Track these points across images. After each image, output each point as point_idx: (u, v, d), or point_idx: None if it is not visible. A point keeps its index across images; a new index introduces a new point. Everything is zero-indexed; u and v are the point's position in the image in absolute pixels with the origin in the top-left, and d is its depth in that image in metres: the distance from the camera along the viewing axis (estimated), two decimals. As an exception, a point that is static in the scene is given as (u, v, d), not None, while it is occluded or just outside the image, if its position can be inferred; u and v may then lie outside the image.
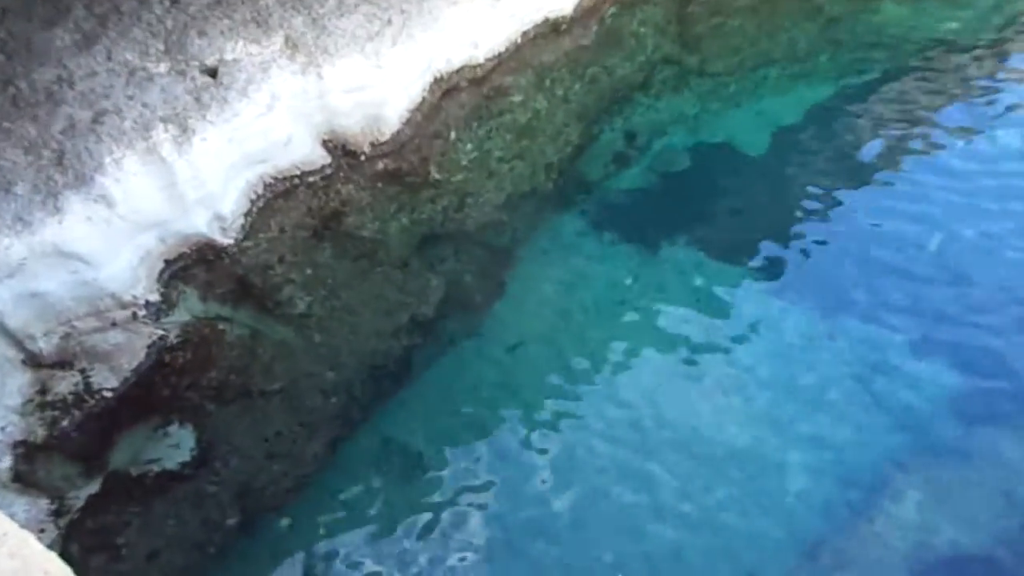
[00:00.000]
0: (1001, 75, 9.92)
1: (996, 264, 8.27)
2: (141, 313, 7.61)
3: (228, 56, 7.76)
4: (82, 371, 7.42)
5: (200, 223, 7.80)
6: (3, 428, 7.08)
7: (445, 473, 7.73)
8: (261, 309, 8.19)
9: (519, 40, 9.64)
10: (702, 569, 6.98)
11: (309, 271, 8.39)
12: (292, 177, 8.38)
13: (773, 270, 8.59)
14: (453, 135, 9.17)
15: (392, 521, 7.50)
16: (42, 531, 6.89)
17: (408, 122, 8.87)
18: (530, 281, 8.85)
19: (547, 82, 9.72)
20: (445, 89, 9.22)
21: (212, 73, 7.71)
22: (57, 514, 7.07)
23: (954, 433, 7.33)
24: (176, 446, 7.68)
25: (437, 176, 8.96)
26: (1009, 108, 9.55)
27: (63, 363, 7.39)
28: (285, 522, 7.58)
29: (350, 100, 8.35)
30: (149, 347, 7.63)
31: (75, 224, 6.98)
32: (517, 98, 9.52)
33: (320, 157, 8.50)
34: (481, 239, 9.01)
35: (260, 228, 8.28)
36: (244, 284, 8.15)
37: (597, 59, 10.01)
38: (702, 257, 8.83)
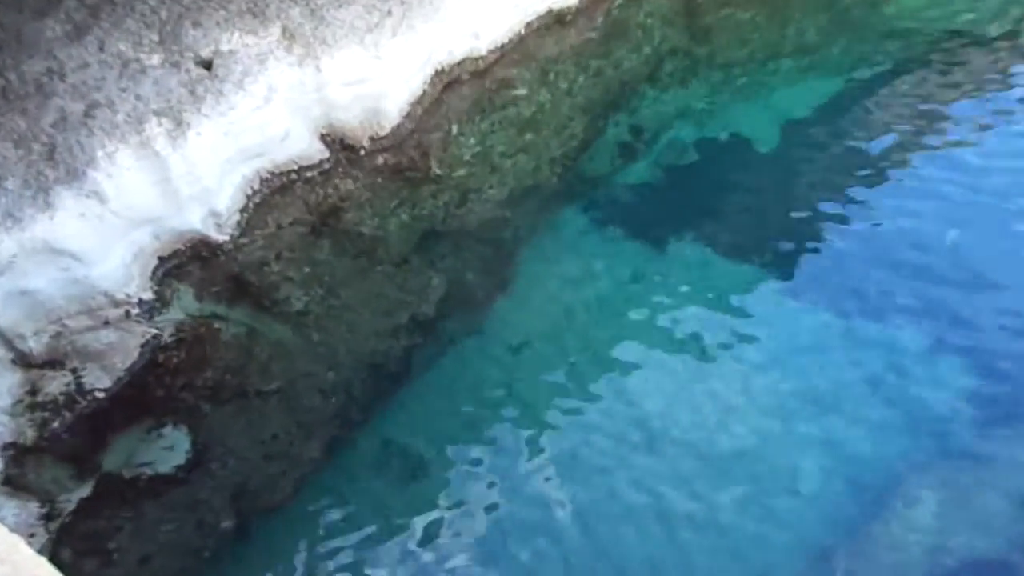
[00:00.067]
0: (1017, 68, 9.85)
1: (1013, 263, 8.21)
2: (134, 311, 7.57)
3: (224, 47, 7.71)
4: (73, 371, 7.38)
5: (195, 219, 7.75)
6: (-8, 429, 7.07)
7: (445, 475, 7.71)
8: (258, 307, 8.16)
9: (522, 31, 9.58)
10: (709, 572, 6.97)
11: (307, 268, 8.35)
12: (289, 172, 8.33)
13: (783, 268, 8.55)
14: (455, 129, 9.13)
15: (391, 524, 7.49)
16: (32, 535, 6.86)
17: (408, 116, 8.81)
18: (533, 279, 8.82)
19: (551, 75, 9.67)
20: (446, 82, 9.16)
21: (207, 65, 7.66)
22: (48, 518, 7.05)
23: (969, 435, 7.28)
24: (170, 448, 7.66)
25: (438, 171, 8.92)
26: (1024, 101, 9.53)
27: (54, 363, 7.35)
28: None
29: (349, 93, 8.30)
30: (142, 346, 7.58)
31: (66, 220, 6.94)
32: (520, 91, 9.47)
33: (318, 151, 8.45)
34: (483, 236, 8.98)
35: (256, 224, 8.23)
36: (240, 282, 8.11)
37: (603, 51, 9.96)
38: (710, 254, 8.79)
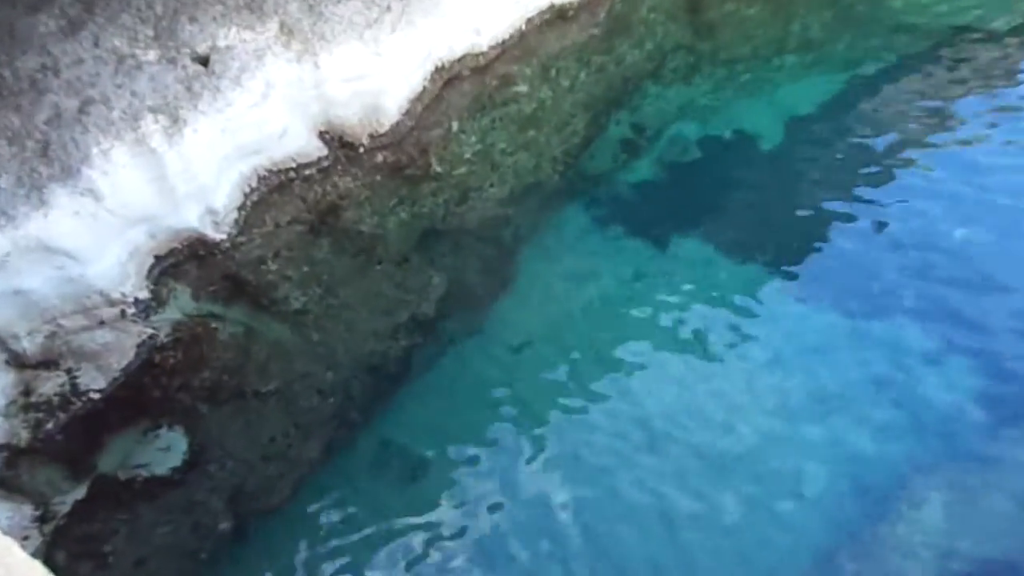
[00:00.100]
0: (1026, 64, 9.86)
1: (1021, 263, 8.18)
2: (130, 311, 7.55)
3: (220, 43, 7.69)
4: (68, 371, 7.36)
5: (191, 217, 7.73)
6: (-14, 431, 7.05)
7: (445, 477, 7.67)
8: (255, 307, 8.13)
9: (523, 27, 9.57)
10: (712, 575, 6.93)
11: (305, 267, 8.33)
12: (287, 170, 8.32)
13: (788, 267, 8.51)
14: (455, 126, 9.11)
15: (390, 526, 7.45)
16: (26, 538, 6.84)
17: (408, 112, 8.80)
18: (535, 278, 8.79)
19: (553, 71, 9.65)
20: (447, 78, 9.15)
21: (204, 61, 7.64)
22: (41, 520, 7.03)
23: (977, 437, 7.24)
24: (166, 449, 7.63)
25: (438, 169, 8.90)
26: (1034, 99, 9.49)
27: (48, 363, 7.33)
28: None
29: (348, 89, 8.28)
30: (138, 346, 7.57)
31: (61, 218, 6.92)
32: (522, 88, 9.45)
33: (316, 149, 8.43)
34: (484, 234, 8.95)
35: (254, 223, 8.22)
36: (237, 281, 8.09)
37: (605, 47, 9.94)
38: (714, 253, 8.76)
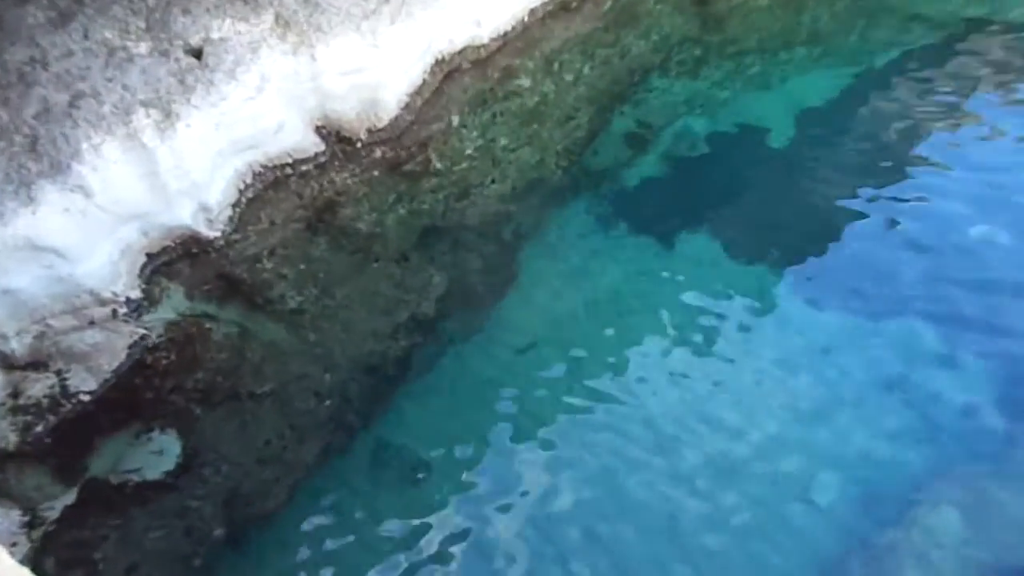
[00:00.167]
0: (1042, 57, 9.80)
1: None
2: (121, 311, 7.52)
3: (214, 35, 7.65)
4: (58, 373, 7.32)
5: (184, 215, 7.69)
6: (-27, 434, 7.01)
7: (446, 482, 7.63)
8: (250, 306, 8.10)
9: (526, 19, 9.55)
10: (721, 582, 6.91)
11: (302, 266, 8.30)
12: (283, 165, 8.30)
13: (798, 266, 8.47)
14: (455, 121, 9.08)
15: (389, 532, 7.42)
16: (14, 544, 6.80)
17: (407, 107, 8.77)
18: (537, 277, 8.75)
19: (556, 64, 9.63)
20: (447, 71, 9.13)
21: (197, 54, 7.61)
22: (30, 526, 6.98)
23: (993, 441, 7.18)
24: (159, 453, 7.59)
25: (438, 164, 8.87)
26: (1049, 93, 9.43)
27: (37, 364, 7.29)
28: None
29: (345, 83, 8.25)
30: (130, 347, 7.52)
31: (50, 215, 6.88)
32: (524, 81, 9.42)
33: (313, 144, 8.40)
34: (485, 232, 8.90)
35: (249, 220, 8.19)
36: (232, 280, 8.05)
37: (610, 39, 9.92)
38: (721, 252, 8.72)
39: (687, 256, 8.74)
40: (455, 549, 7.28)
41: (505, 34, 9.39)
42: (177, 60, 7.48)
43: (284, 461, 7.76)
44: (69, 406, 7.31)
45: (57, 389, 7.29)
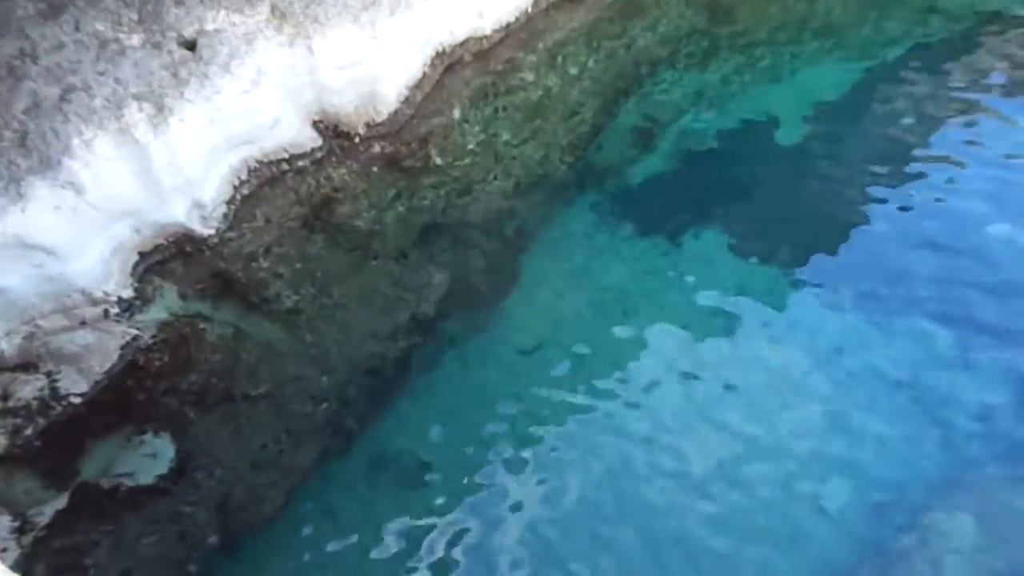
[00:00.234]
0: (1062, 50, 9.77)
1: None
2: (113, 311, 7.52)
3: (209, 27, 7.64)
4: (48, 374, 7.32)
5: (178, 212, 7.69)
6: (-39, 437, 7.02)
7: (445, 487, 7.64)
8: (245, 306, 8.10)
9: (529, 9, 9.53)
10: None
11: (298, 264, 8.30)
12: (279, 161, 8.30)
13: (809, 265, 8.46)
14: (457, 115, 9.07)
15: (388, 539, 7.42)
16: (4, 550, 6.81)
17: (407, 101, 8.77)
18: (541, 276, 8.75)
19: (560, 57, 9.61)
20: (448, 64, 9.12)
21: (191, 46, 7.59)
22: (20, 532, 6.98)
23: (1009, 446, 7.16)
24: (152, 456, 7.60)
25: (439, 160, 8.86)
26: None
27: (27, 366, 7.29)
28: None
29: (343, 76, 8.24)
30: (122, 348, 7.53)
31: (40, 213, 6.87)
32: (527, 74, 9.41)
33: (310, 139, 8.40)
34: (487, 229, 8.90)
35: (244, 217, 8.19)
36: (226, 279, 8.06)
37: (616, 31, 9.90)
38: (731, 250, 8.71)
39: (695, 254, 8.73)
40: (455, 555, 7.29)
41: (508, 25, 9.38)
42: (170, 53, 7.47)
43: (280, 465, 7.76)
44: (60, 408, 7.31)
45: (47, 391, 7.29)
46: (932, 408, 7.44)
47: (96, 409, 7.47)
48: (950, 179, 8.84)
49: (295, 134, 8.25)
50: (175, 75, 7.41)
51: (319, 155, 8.47)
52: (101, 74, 7.25)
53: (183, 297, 7.94)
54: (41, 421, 7.25)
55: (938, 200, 8.72)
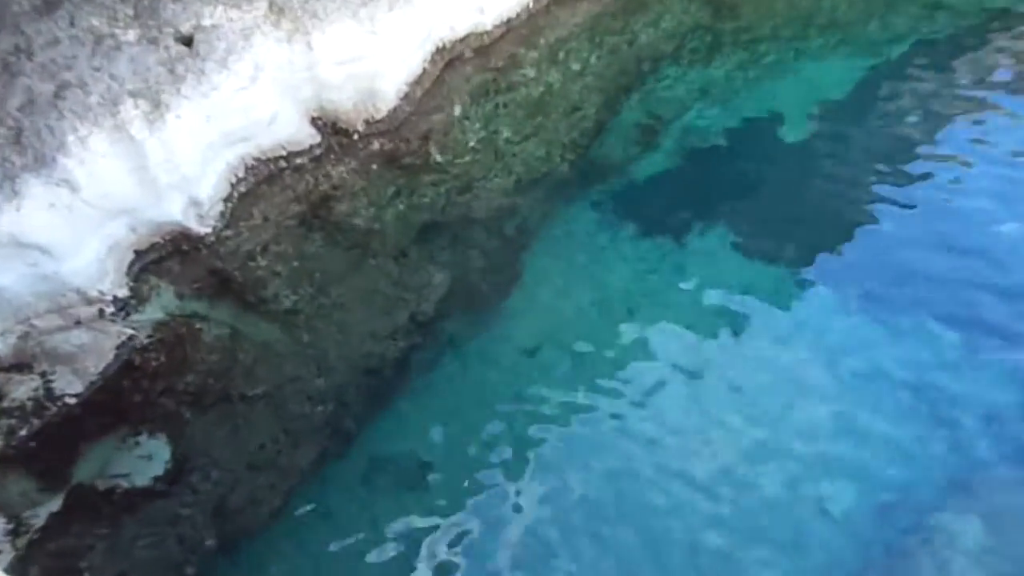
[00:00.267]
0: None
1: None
2: (109, 310, 7.53)
3: (205, 22, 7.63)
4: (42, 375, 7.33)
5: (174, 210, 7.69)
6: (-46, 439, 7.04)
7: (445, 490, 7.63)
8: (242, 306, 8.10)
9: (531, 5, 9.52)
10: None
11: (296, 263, 8.30)
12: (277, 158, 8.30)
13: (814, 266, 8.46)
14: (457, 112, 9.06)
15: (387, 542, 7.42)
16: (-2, 553, 6.83)
17: (407, 97, 8.76)
18: (543, 275, 8.74)
19: (562, 52, 9.60)
20: (448, 60, 9.11)
21: (187, 41, 7.59)
22: (14, 534, 6.99)
23: (1017, 448, 7.17)
24: (148, 458, 7.60)
25: (439, 158, 8.86)
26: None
27: (21, 366, 7.30)
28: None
29: (342, 72, 8.24)
30: (118, 348, 7.54)
31: (35, 211, 6.87)
32: (529, 70, 9.40)
33: (308, 136, 8.40)
34: (488, 228, 8.90)
35: (241, 216, 8.20)
36: (223, 278, 8.06)
37: (619, 26, 9.89)
38: (734, 249, 8.71)
39: (699, 253, 8.73)
40: (455, 558, 7.30)
41: (509, 21, 9.37)
42: (167, 48, 7.46)
43: (278, 466, 7.76)
44: (54, 409, 7.32)
45: (42, 391, 7.30)
46: (938, 409, 7.45)
47: (91, 410, 7.48)
48: (956, 178, 8.84)
49: (293, 131, 8.25)
50: (171, 71, 7.41)
51: (317, 152, 8.48)
52: (96, 70, 7.24)
53: (179, 296, 7.95)
54: (36, 422, 7.26)
55: (945, 199, 8.72)
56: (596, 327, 8.37)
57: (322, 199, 8.45)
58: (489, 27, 9.22)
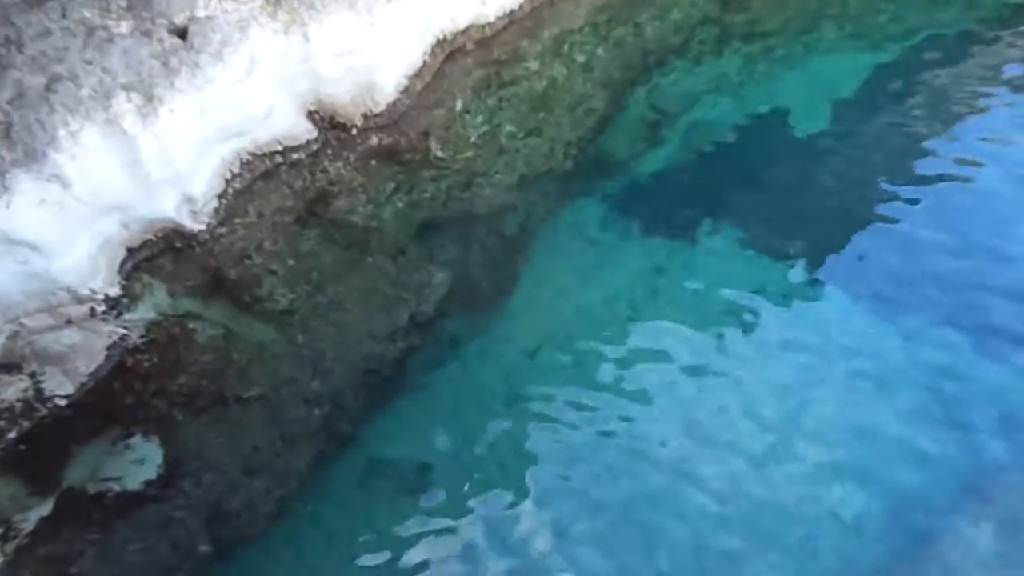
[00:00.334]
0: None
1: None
2: (100, 309, 7.55)
3: (200, 14, 7.63)
4: (32, 375, 7.35)
5: (167, 206, 7.71)
6: (-59, 441, 7.05)
7: (444, 495, 7.66)
8: (237, 305, 8.11)
9: (534, -5, 9.54)
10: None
11: (291, 262, 8.31)
12: (273, 154, 8.30)
13: (825, 265, 8.47)
14: (458, 106, 9.06)
15: (384, 550, 7.45)
16: (-13, 558, 6.85)
17: (406, 91, 8.76)
18: (545, 274, 8.76)
19: (566, 45, 9.60)
20: (448, 52, 9.11)
21: (182, 33, 7.59)
22: (3, 539, 7.03)
23: (1032, 454, 7.23)
24: (140, 461, 7.62)
25: (439, 153, 8.86)
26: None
27: (10, 366, 7.31)
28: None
29: (339, 65, 8.24)
30: (109, 348, 7.56)
31: (24, 207, 6.88)
32: (532, 64, 9.39)
33: (305, 131, 8.41)
34: (490, 225, 8.91)
35: (236, 212, 8.21)
36: (217, 276, 8.08)
37: (625, 18, 9.88)
38: (742, 249, 8.71)
39: (705, 252, 8.74)
40: (455, 564, 7.32)
41: (512, 12, 9.36)
42: (160, 41, 7.46)
43: (274, 470, 7.78)
44: (44, 411, 7.34)
45: (31, 393, 7.32)
46: (951, 411, 7.47)
47: (82, 412, 7.51)
48: (968, 177, 8.85)
49: (290, 125, 8.25)
50: (165, 64, 7.41)
51: (314, 147, 8.48)
52: (88, 63, 7.24)
53: (172, 295, 7.96)
54: (25, 424, 7.29)
55: (956, 198, 8.73)
56: (600, 327, 8.39)
57: (319, 195, 8.45)
58: (491, 18, 9.22)
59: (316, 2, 8.01)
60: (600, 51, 9.70)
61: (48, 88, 7.09)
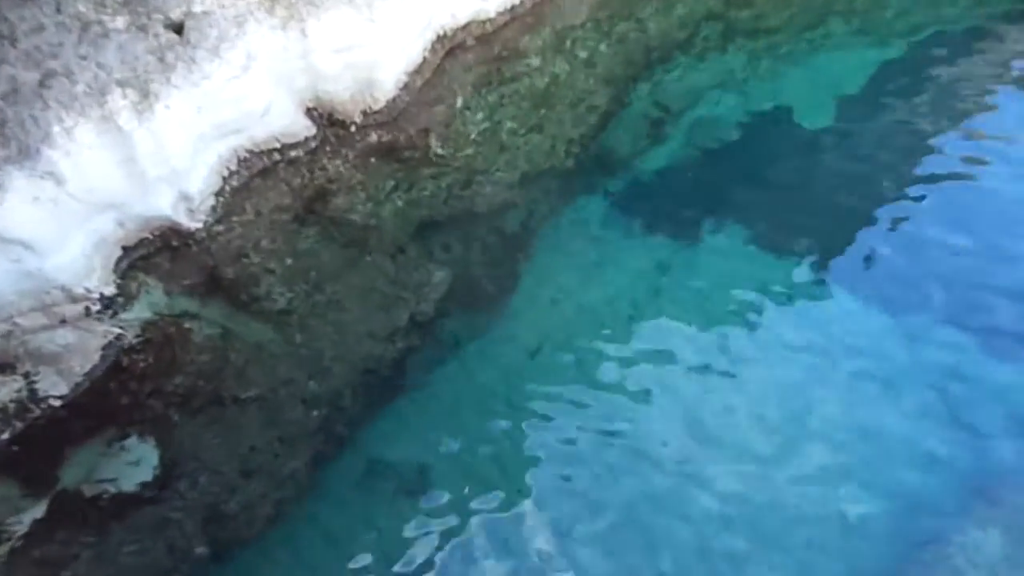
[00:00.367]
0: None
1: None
2: (95, 308, 7.53)
3: (197, 8, 7.62)
4: (26, 376, 7.35)
5: (164, 204, 7.69)
6: (-66, 441, 7.05)
7: (444, 497, 7.66)
8: (234, 305, 8.11)
9: (535, -10, 9.53)
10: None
11: (290, 260, 8.30)
12: (271, 151, 8.29)
13: (831, 264, 8.47)
14: (458, 103, 9.06)
15: (384, 551, 7.45)
16: (-20, 561, 6.85)
17: (406, 87, 8.76)
18: (547, 273, 8.76)
19: (568, 41, 9.59)
20: (449, 48, 9.10)
21: (178, 29, 7.57)
22: (-3, 541, 7.03)
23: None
24: (136, 463, 7.61)
25: (440, 150, 8.85)
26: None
27: (3, 366, 7.30)
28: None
29: (338, 61, 8.23)
30: (104, 348, 7.55)
31: (18, 205, 6.86)
32: (534, 60, 9.39)
33: (303, 128, 8.40)
34: (491, 224, 8.91)
35: (233, 210, 8.20)
36: (214, 275, 8.07)
37: (628, 13, 9.88)
38: (748, 247, 8.72)
39: (709, 250, 8.75)
40: (453, 566, 7.32)
41: (513, 8, 9.35)
42: (156, 36, 7.44)
43: (271, 472, 7.78)
44: (38, 412, 7.34)
45: (25, 393, 7.32)
46: (959, 412, 7.49)
47: (77, 412, 7.50)
48: (975, 175, 8.86)
49: (288, 122, 8.24)
50: (161, 59, 7.40)
51: (313, 144, 8.47)
52: (83, 58, 7.23)
53: (169, 294, 7.95)
54: (19, 425, 7.28)
55: (963, 197, 8.74)
56: (602, 326, 8.39)
57: (317, 193, 8.45)
58: (492, 14, 9.21)
59: (314, -3, 8.01)
60: (602, 47, 9.70)
61: (42, 84, 7.07)
